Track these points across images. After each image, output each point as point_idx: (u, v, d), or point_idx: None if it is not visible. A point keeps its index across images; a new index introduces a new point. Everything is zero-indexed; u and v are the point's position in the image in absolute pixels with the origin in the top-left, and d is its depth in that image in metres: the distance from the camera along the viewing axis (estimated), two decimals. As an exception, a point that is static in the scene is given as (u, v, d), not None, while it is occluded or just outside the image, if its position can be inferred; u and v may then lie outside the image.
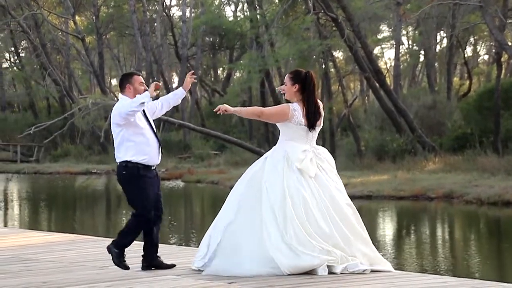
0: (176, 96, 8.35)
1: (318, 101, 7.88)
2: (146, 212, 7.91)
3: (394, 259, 15.34)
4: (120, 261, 7.85)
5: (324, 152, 7.95)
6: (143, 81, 8.14)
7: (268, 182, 7.64)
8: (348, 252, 7.56)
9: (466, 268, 14.64)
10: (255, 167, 7.87)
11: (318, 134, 7.96)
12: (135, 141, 7.90)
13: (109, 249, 7.92)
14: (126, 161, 7.92)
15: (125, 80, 8.09)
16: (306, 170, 7.65)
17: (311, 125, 7.76)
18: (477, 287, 6.99)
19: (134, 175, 7.91)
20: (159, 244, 8.08)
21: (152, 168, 8.02)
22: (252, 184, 7.74)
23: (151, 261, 8.00)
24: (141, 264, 8.00)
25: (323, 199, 7.65)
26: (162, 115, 8.63)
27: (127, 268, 7.79)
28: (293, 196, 7.56)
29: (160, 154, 8.10)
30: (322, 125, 7.95)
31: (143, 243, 8.07)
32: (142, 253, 8.04)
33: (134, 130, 7.89)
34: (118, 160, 8.01)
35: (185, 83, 8.15)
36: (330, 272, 7.36)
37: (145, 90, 7.97)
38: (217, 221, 7.83)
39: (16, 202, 30.19)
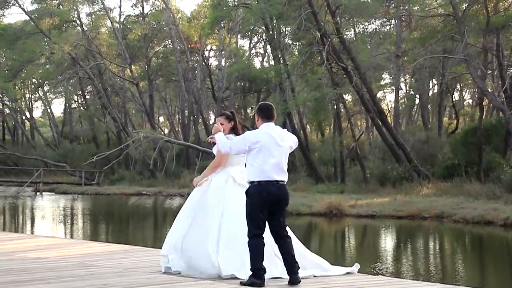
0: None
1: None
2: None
3: (394, 268, 15.24)
4: (259, 282, 6.76)
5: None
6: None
7: (214, 197, 7.57)
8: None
9: (453, 276, 14.51)
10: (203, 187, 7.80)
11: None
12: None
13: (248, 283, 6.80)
14: None
15: None
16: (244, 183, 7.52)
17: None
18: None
19: None
20: None
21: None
22: (203, 199, 7.67)
23: (291, 276, 6.79)
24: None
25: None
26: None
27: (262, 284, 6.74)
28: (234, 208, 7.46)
29: None
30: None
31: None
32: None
33: None
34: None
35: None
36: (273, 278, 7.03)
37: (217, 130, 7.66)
38: (176, 226, 7.72)
39: (81, 217, 30.31)
